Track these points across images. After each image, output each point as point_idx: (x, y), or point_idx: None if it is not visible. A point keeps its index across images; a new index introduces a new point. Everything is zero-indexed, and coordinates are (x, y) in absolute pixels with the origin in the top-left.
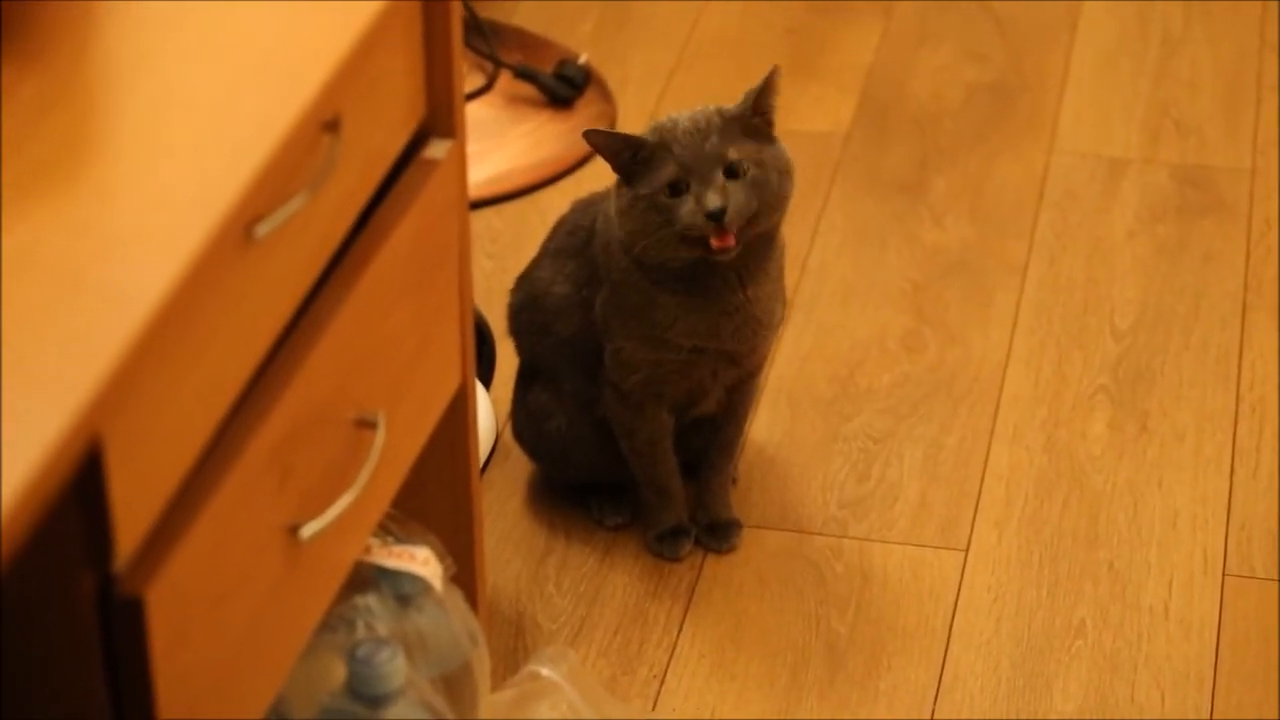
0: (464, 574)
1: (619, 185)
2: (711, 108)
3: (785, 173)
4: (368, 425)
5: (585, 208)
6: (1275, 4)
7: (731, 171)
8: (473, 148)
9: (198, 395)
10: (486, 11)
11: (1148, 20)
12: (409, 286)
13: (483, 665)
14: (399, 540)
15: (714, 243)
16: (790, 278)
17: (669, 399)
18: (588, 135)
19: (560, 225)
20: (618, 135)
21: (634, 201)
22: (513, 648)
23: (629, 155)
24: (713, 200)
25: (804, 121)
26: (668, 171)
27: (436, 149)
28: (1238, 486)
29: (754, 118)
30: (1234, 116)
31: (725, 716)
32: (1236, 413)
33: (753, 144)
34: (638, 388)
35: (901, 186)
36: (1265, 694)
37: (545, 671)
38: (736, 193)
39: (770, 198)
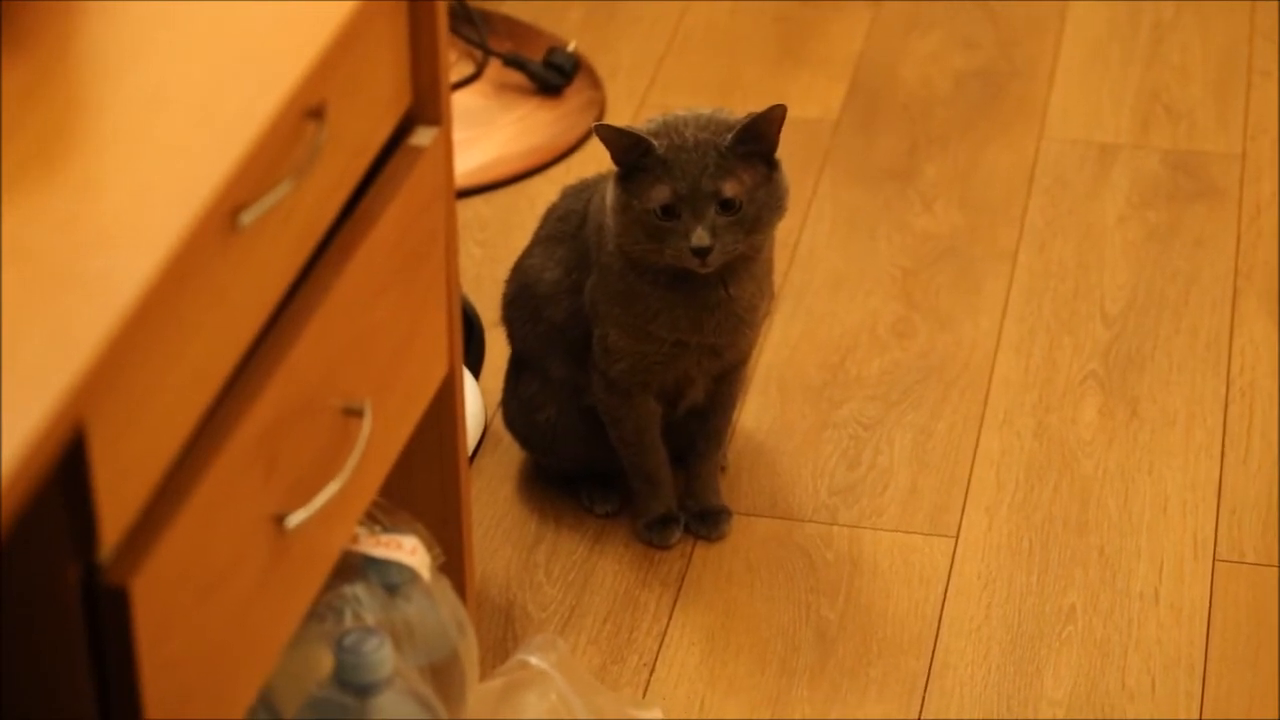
0: (452, 563)
1: (617, 180)
2: (719, 118)
3: (778, 207)
4: (354, 414)
5: (577, 193)
6: None
7: (725, 206)
8: (462, 136)
9: (183, 384)
10: None
11: (1138, 6)
12: (395, 274)
13: (471, 654)
14: (387, 529)
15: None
16: (780, 265)
17: (655, 388)
18: (598, 129)
19: (551, 212)
20: (629, 134)
21: (627, 205)
22: (502, 636)
23: (637, 155)
24: (700, 239)
25: (793, 109)
26: (662, 193)
27: (422, 136)
28: (1228, 471)
29: (753, 144)
30: (1224, 101)
31: (715, 703)
32: (1227, 398)
33: (751, 175)
34: (623, 376)
35: (891, 173)
36: (1256, 679)
37: (534, 660)
38: (725, 231)
39: (759, 231)
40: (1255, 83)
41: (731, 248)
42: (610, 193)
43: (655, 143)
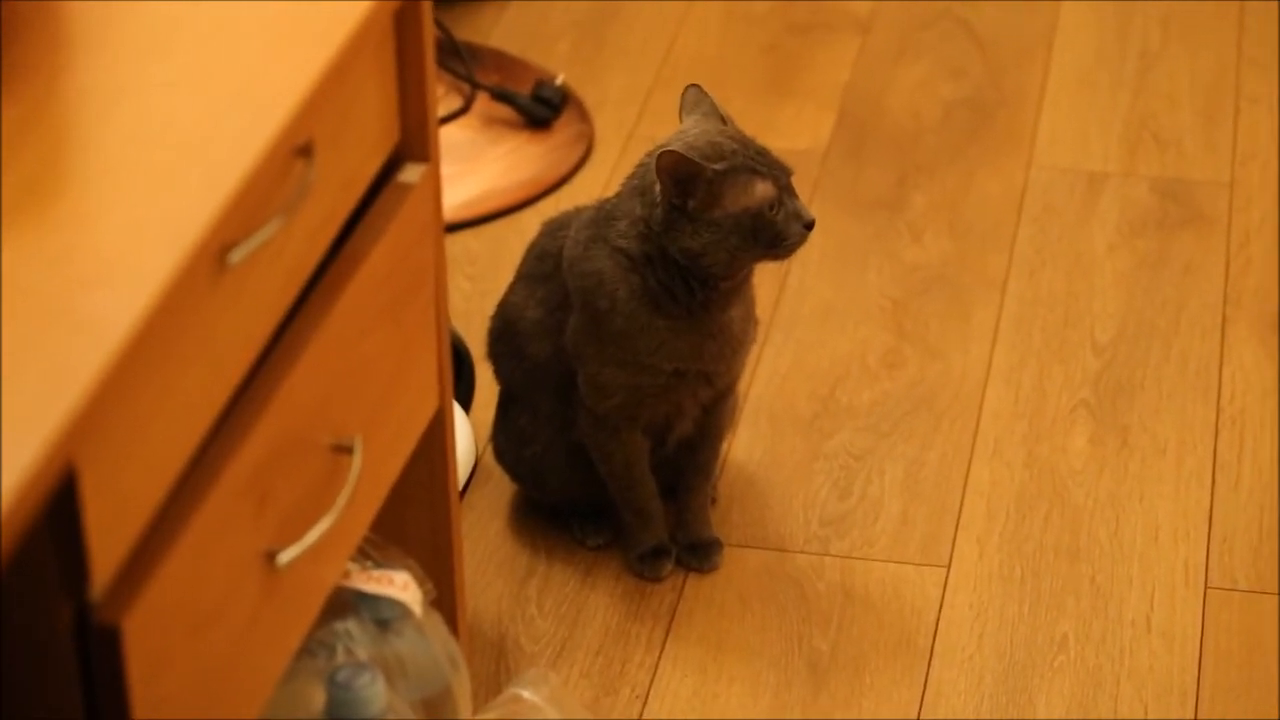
0: (444, 597)
1: (677, 218)
2: (724, 125)
3: None
4: (344, 450)
5: (553, 231)
6: (1252, 17)
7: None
8: (450, 170)
9: (173, 422)
10: (463, 33)
11: (1125, 34)
12: (385, 311)
13: (463, 689)
14: (378, 565)
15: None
16: (769, 295)
17: (644, 421)
18: (663, 156)
19: (530, 249)
20: (690, 161)
21: (711, 226)
22: (494, 670)
23: (702, 183)
24: (807, 212)
25: (782, 139)
26: (766, 188)
27: (410, 173)
28: (1219, 499)
29: None
30: (1212, 129)
31: None
32: (1217, 425)
33: None
34: (613, 411)
35: (880, 203)
36: (1248, 706)
37: (526, 694)
38: None
39: None
40: (1243, 109)
41: None
42: (683, 236)
43: (714, 165)
